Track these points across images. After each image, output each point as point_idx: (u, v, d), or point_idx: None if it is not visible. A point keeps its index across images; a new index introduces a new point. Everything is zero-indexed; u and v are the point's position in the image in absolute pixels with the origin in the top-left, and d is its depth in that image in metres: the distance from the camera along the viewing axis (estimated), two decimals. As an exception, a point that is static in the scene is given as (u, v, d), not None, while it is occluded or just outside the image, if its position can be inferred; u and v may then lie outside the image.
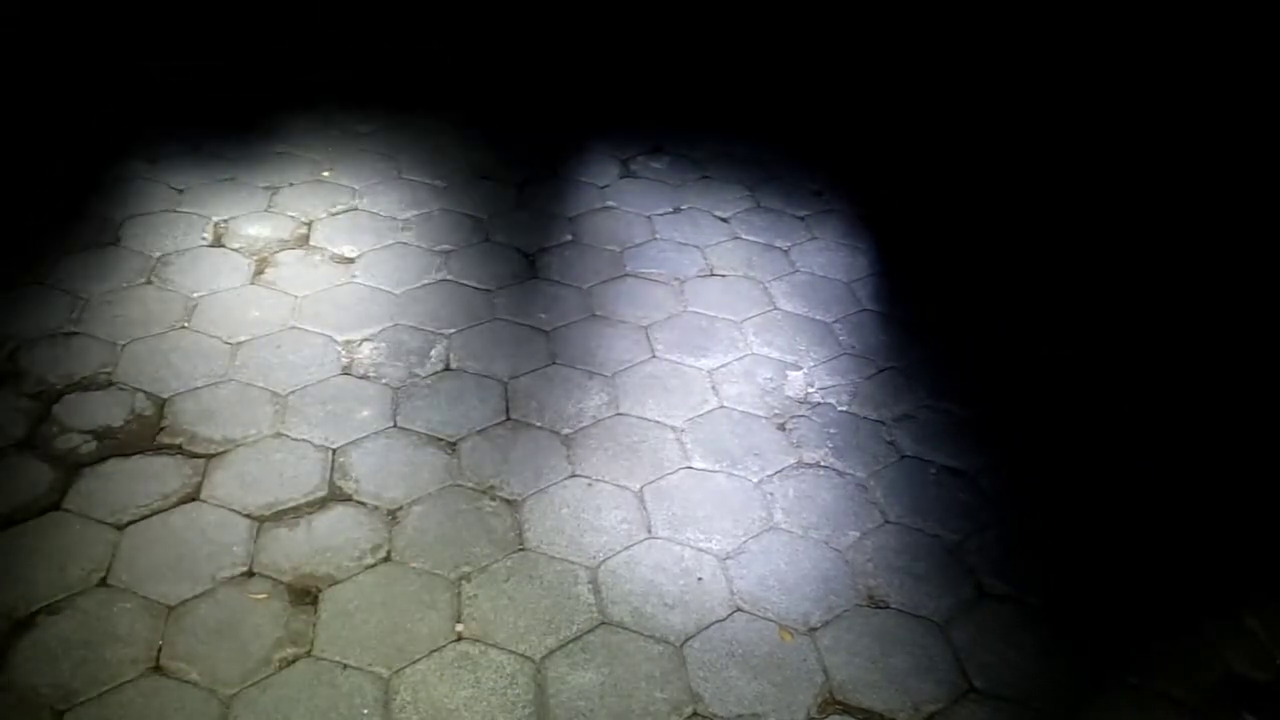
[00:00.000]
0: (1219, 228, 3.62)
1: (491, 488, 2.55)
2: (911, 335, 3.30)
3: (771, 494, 2.62)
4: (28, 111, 3.98)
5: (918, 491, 2.68)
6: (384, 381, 2.85)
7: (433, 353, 2.99)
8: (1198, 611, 2.42)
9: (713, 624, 2.25)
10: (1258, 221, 3.51)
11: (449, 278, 3.33)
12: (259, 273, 3.25)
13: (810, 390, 3.00)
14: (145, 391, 2.72)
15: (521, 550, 2.38)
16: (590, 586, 2.31)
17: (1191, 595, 2.46)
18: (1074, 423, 2.99)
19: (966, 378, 3.12)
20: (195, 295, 3.11)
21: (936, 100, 4.68)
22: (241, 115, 4.16)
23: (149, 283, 3.14)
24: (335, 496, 2.47)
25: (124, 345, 2.87)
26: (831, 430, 2.86)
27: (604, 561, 2.38)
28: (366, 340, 3.00)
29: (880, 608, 2.34)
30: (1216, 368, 3.28)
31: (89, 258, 3.22)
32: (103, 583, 2.18)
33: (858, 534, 2.53)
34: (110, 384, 2.73)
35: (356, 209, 3.65)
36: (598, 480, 2.61)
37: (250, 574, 2.24)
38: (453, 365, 2.95)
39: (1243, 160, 3.56)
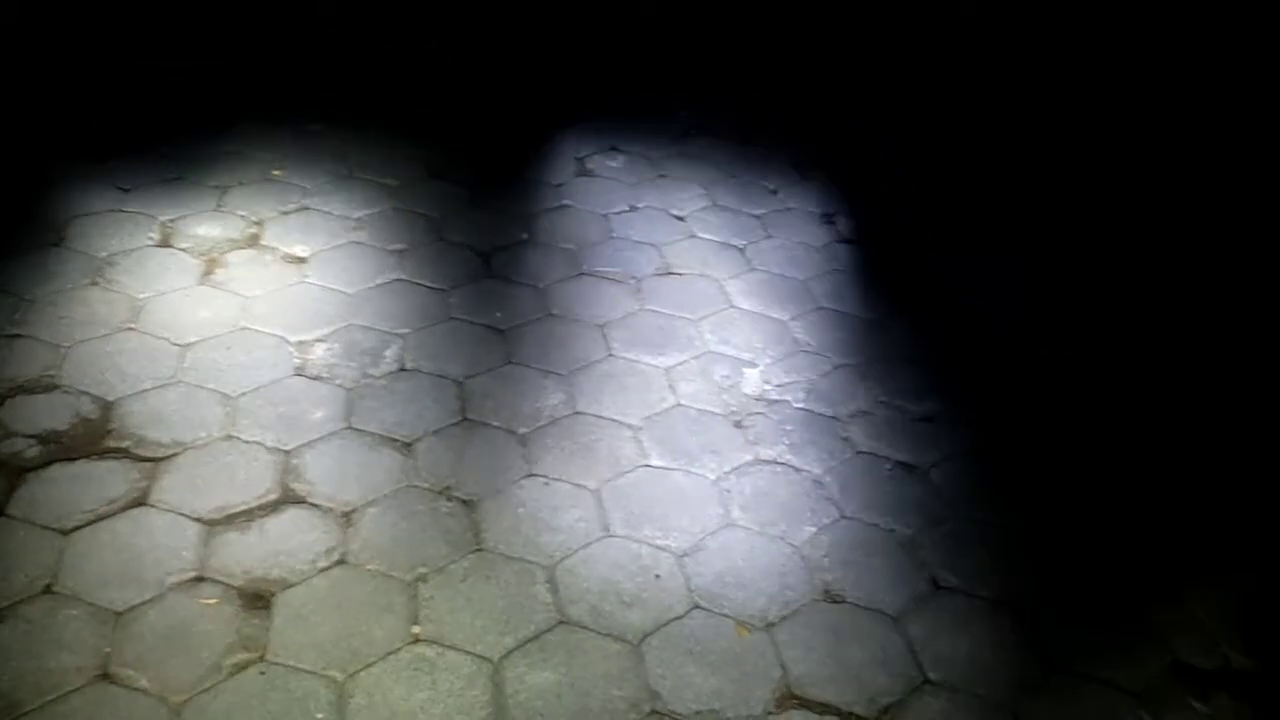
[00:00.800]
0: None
1: (448, 488, 2.53)
2: (867, 332, 3.33)
3: (729, 491, 2.63)
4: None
5: (873, 487, 2.71)
6: (337, 382, 2.82)
7: (387, 353, 2.96)
8: (1146, 601, 2.47)
9: (671, 621, 2.25)
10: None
11: (403, 277, 3.31)
12: (208, 273, 3.20)
13: (767, 388, 3.02)
14: (91, 394, 2.66)
15: (479, 550, 2.37)
16: (548, 586, 2.30)
17: (1140, 585, 2.51)
18: (1029, 417, 3.03)
19: (921, 375, 3.15)
20: (142, 296, 3.05)
21: (895, 97, 4.73)
22: (190, 115, 4.09)
23: (94, 284, 3.08)
24: (288, 499, 2.44)
25: (69, 348, 2.81)
26: (788, 427, 2.88)
27: (562, 560, 2.37)
28: (319, 341, 2.97)
29: (836, 602, 2.36)
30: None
31: (32, 259, 3.14)
32: (48, 590, 2.13)
33: (814, 529, 2.55)
34: (55, 387, 2.67)
35: (308, 208, 3.60)
36: (555, 479, 2.60)
37: (201, 579, 2.20)
38: (407, 365, 2.92)
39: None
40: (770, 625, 2.28)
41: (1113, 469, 2.86)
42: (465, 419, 2.76)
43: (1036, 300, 3.63)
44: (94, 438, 2.53)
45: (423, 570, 2.30)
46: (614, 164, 4.20)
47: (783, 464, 2.75)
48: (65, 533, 2.26)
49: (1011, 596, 2.42)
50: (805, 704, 2.11)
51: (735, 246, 3.72)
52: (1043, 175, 4.18)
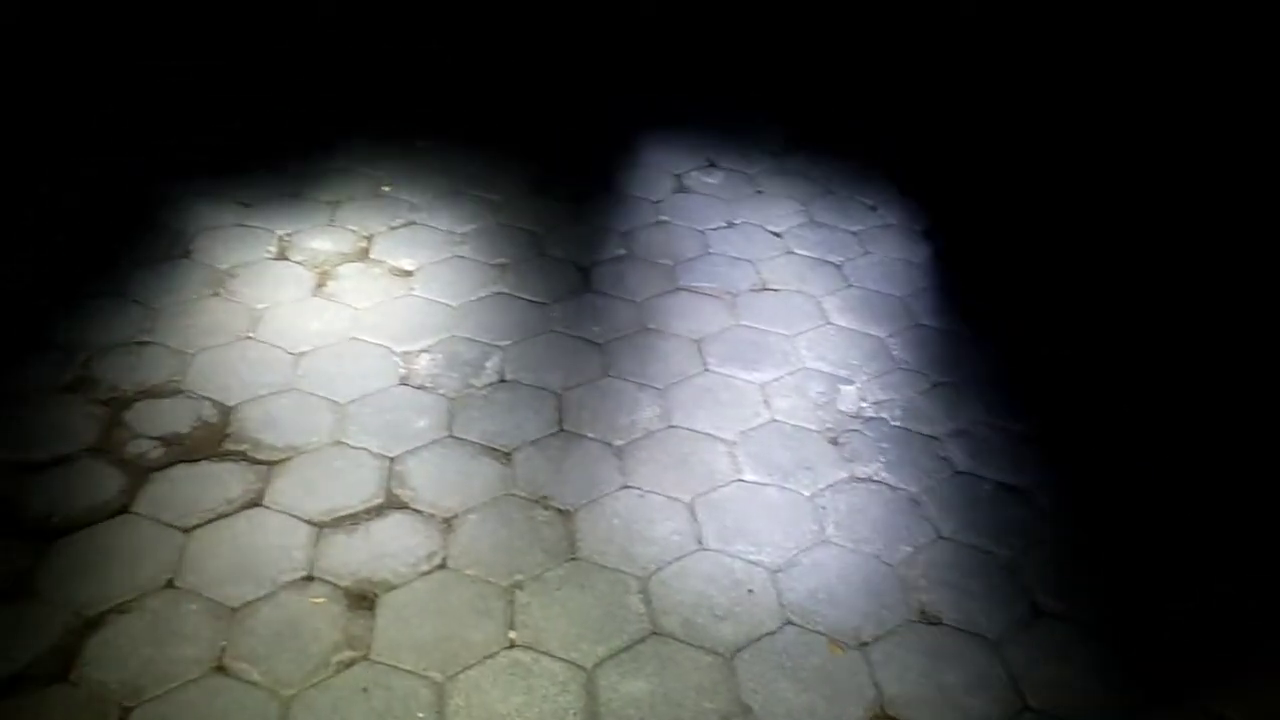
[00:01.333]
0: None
1: (544, 498, 2.58)
2: (966, 350, 3.27)
3: (823, 507, 2.62)
4: (91, 124, 4.13)
5: (971, 507, 2.66)
6: (440, 392, 2.91)
7: (488, 364, 3.04)
8: (1258, 631, 2.36)
9: (763, 636, 2.26)
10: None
11: (504, 290, 3.39)
12: (321, 285, 3.33)
13: (863, 405, 3.00)
14: (212, 399, 2.80)
15: (573, 560, 2.41)
16: (641, 596, 2.33)
17: (1252, 614, 2.41)
18: (1128, 433, 2.94)
19: (1022, 393, 3.09)
20: (260, 307, 3.20)
21: (984, 114, 4.65)
22: (306, 132, 4.27)
23: (216, 294, 3.24)
24: (392, 504, 2.52)
25: (193, 355, 2.96)
26: (884, 445, 2.85)
27: (655, 572, 2.39)
28: (424, 351, 3.06)
29: (932, 623, 2.32)
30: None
31: (161, 270, 3.32)
32: (169, 584, 2.25)
33: (910, 549, 2.52)
34: (179, 392, 2.82)
35: (415, 223, 3.72)
36: (649, 491, 2.63)
37: (310, 578, 2.30)
38: (507, 376, 3.00)
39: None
40: (864, 644, 2.26)
41: (1220, 487, 2.75)
42: (562, 430, 2.81)
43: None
44: (214, 440, 2.66)
45: (519, 577, 2.35)
46: (711, 180, 4.23)
47: (879, 482, 2.72)
48: (186, 530, 2.39)
49: (1117, 622, 2.35)
50: (899, 725, 2.09)
51: (832, 263, 3.70)
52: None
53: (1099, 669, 2.24)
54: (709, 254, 3.71)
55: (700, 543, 2.49)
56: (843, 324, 3.36)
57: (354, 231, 3.63)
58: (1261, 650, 2.32)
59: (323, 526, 2.43)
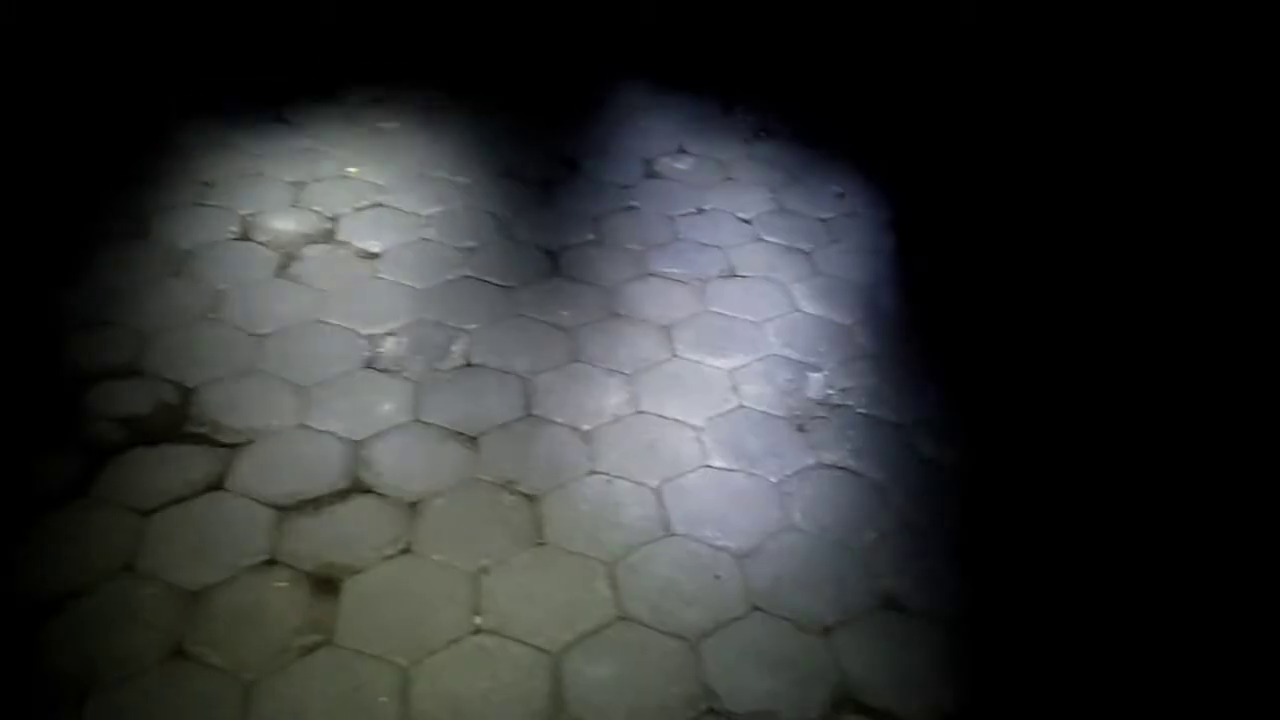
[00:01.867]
0: (1216, 231, 3.59)
1: (511, 482, 2.57)
2: (931, 338, 3.30)
3: (790, 494, 2.63)
4: (50, 103, 4.04)
5: (936, 494, 2.68)
6: (406, 375, 2.88)
7: (454, 348, 3.01)
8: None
9: (730, 621, 2.26)
10: (1254, 225, 3.47)
11: (471, 274, 3.36)
12: (284, 266, 3.28)
13: (830, 392, 3.01)
14: (172, 381, 2.75)
15: (540, 545, 2.40)
16: (608, 582, 2.32)
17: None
18: (1095, 421, 2.97)
19: (986, 381, 3.12)
20: (222, 288, 3.14)
21: (956, 103, 4.68)
22: (270, 111, 4.19)
23: (177, 275, 3.18)
24: (357, 488, 2.49)
25: (153, 336, 2.90)
26: (850, 432, 2.86)
27: (622, 557, 2.39)
28: (389, 335, 3.03)
29: (897, 609, 2.34)
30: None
31: (119, 249, 3.26)
32: (128, 568, 2.21)
33: (875, 535, 2.53)
34: (138, 373, 2.77)
35: (381, 205, 3.68)
36: (617, 477, 2.62)
37: (272, 562, 2.27)
38: (474, 360, 2.97)
39: (1242, 157, 3.52)
40: (829, 629, 2.27)
41: (1195, 476, 2.79)
42: (530, 415, 2.80)
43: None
44: (174, 423, 2.62)
45: (485, 562, 2.33)
46: (681, 165, 4.22)
47: (844, 469, 2.73)
48: (144, 514, 2.35)
49: (1084, 607, 2.38)
50: (864, 709, 2.10)
51: (801, 250, 3.71)
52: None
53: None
54: (679, 240, 3.70)
55: (667, 528, 2.49)
56: (811, 311, 3.37)
57: (319, 213, 3.58)
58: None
59: (286, 510, 2.40)
